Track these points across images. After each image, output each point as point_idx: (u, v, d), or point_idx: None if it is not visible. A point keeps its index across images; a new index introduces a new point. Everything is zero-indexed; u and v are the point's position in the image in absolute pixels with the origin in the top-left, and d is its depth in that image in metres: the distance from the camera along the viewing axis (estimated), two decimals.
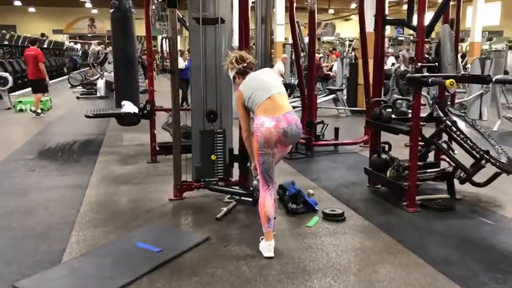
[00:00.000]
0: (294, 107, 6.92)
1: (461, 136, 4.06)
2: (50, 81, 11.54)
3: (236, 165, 4.52)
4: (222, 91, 4.41)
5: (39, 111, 10.09)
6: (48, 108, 11.02)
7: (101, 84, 14.04)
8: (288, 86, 11.41)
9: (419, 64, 3.86)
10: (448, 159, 4.65)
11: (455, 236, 3.66)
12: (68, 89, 16.15)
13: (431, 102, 4.64)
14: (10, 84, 11.33)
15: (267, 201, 3.30)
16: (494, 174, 4.28)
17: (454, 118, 4.31)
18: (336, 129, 6.87)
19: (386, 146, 4.82)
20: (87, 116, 6.01)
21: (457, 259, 3.26)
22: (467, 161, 4.31)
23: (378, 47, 4.69)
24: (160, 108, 6.08)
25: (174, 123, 4.39)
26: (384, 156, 4.66)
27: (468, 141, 4.05)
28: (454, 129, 4.09)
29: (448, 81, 3.37)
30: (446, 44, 4.27)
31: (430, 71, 3.96)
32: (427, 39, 4.04)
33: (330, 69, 16.47)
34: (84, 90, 15.35)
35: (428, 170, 4.73)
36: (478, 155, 4.05)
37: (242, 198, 4.34)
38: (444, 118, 4.14)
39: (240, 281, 2.90)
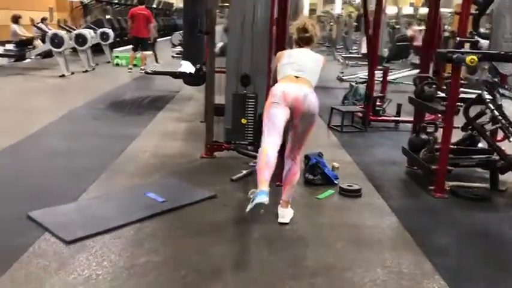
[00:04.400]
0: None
1: (503, 122, 3.67)
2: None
3: None
4: (258, 56, 4.42)
5: (144, 66, 10.74)
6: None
7: None
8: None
9: (457, 39, 3.51)
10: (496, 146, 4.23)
11: (472, 228, 3.40)
12: (169, 48, 17.11)
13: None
14: (111, 39, 12.30)
15: (270, 148, 2.97)
16: None
17: (503, 102, 3.88)
18: (399, 105, 6.51)
19: (432, 127, 4.52)
20: (146, 73, 6.39)
21: (457, 251, 3.05)
22: None
23: (431, 17, 4.33)
24: (218, 70, 6.24)
25: (208, 86, 4.54)
26: (423, 136, 4.38)
27: (511, 128, 3.65)
28: (496, 114, 3.70)
29: (468, 58, 3.03)
30: (503, 16, 3.82)
31: (473, 47, 3.59)
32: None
33: None
34: (182, 49, 16.10)
35: (473, 156, 4.37)
36: None
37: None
38: (487, 100, 3.75)
39: (220, 239, 3.00)
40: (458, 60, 3.19)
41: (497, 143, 4.65)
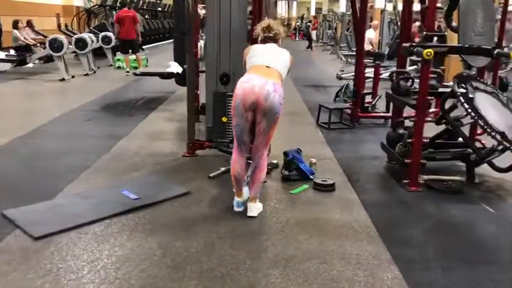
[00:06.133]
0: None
1: (473, 114, 3.68)
2: (160, 43, 12.24)
3: None
4: (235, 55, 4.49)
5: (142, 68, 10.73)
6: (145, 66, 11.93)
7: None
8: (376, 55, 10.96)
9: (424, 33, 3.54)
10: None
11: (440, 220, 3.43)
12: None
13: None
14: (113, 43, 12.45)
15: (237, 163, 3.40)
16: None
17: (476, 95, 3.89)
18: (388, 101, 6.51)
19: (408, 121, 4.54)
20: (135, 74, 6.50)
21: (420, 242, 3.08)
22: None
23: (405, 13, 4.36)
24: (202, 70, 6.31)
25: (188, 84, 4.63)
26: (400, 131, 4.41)
27: (480, 121, 3.66)
28: (466, 106, 3.71)
29: (425, 51, 3.06)
30: (472, 10, 3.83)
31: (440, 40, 3.61)
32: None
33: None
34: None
35: (450, 150, 4.38)
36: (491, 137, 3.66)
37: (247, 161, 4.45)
38: (458, 94, 3.77)
39: (186, 234, 3.07)
40: (417, 54, 3.22)
41: (479, 136, 4.68)
